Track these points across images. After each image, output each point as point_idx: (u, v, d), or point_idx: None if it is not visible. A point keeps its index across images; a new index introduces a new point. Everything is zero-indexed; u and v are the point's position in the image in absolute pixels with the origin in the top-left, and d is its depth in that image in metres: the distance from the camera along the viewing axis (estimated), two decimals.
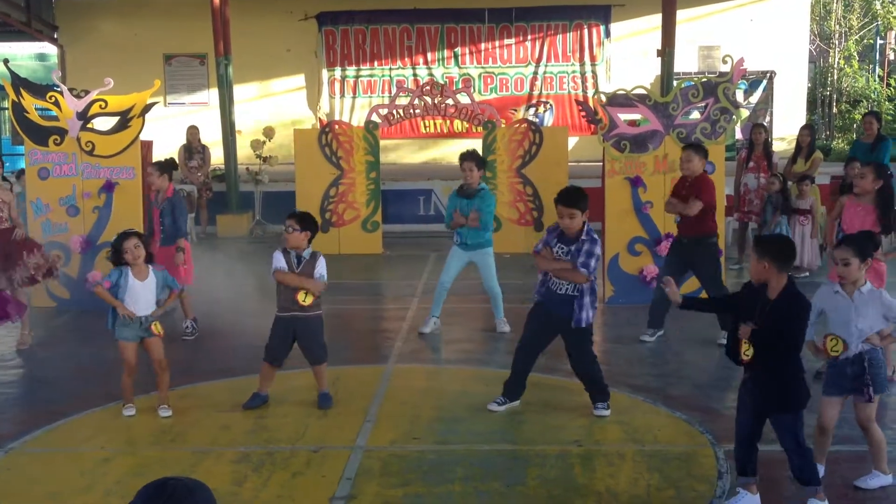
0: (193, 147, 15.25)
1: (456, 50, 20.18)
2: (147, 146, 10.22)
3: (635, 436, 5.74)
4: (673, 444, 5.59)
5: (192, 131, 15.36)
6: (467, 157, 8.36)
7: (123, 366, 6.19)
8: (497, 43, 20.17)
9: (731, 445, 5.49)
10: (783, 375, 4.55)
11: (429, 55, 20.25)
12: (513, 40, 20.16)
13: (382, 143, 14.05)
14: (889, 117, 22.26)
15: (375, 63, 20.30)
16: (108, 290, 6.08)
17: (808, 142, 12.13)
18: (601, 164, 10.37)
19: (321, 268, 6.32)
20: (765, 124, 15.89)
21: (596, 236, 6.00)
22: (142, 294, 6.13)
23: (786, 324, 4.50)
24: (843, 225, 7.14)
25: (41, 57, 25.31)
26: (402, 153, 20.21)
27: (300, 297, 6.24)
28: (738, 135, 18.75)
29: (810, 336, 4.91)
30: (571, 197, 5.96)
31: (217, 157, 15.78)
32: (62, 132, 9.74)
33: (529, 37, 20.19)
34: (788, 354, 4.55)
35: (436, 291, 8.54)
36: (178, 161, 15.35)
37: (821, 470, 4.93)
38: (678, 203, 8.06)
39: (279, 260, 6.31)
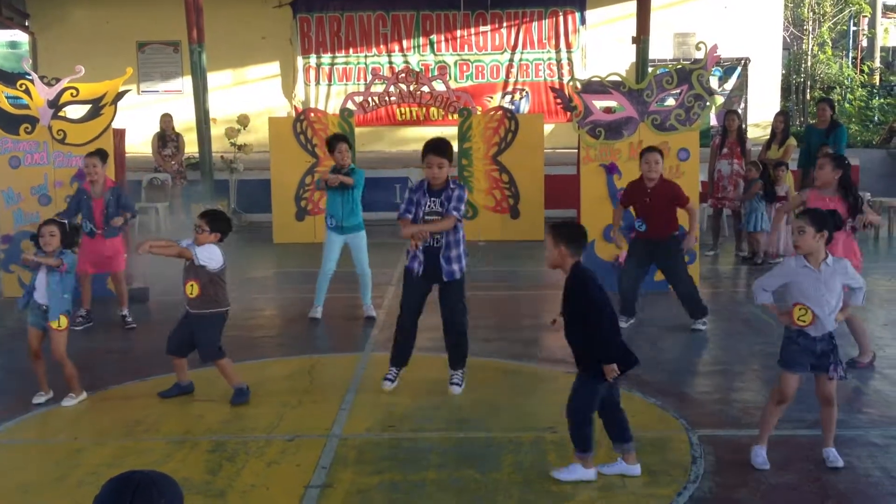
0: (167, 135, 15.13)
1: (431, 37, 20.12)
2: (120, 134, 10.13)
3: None
4: (647, 430, 5.61)
5: (166, 119, 15.23)
6: (340, 138, 8.61)
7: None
8: (472, 30, 20.16)
9: (706, 430, 5.55)
10: (590, 347, 4.79)
11: (404, 42, 20.21)
12: (488, 27, 20.14)
13: (358, 130, 14.00)
14: (861, 103, 22.42)
15: (351, 50, 20.23)
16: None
17: (782, 128, 12.20)
18: (577, 151, 10.38)
19: (204, 253, 6.11)
20: (738, 111, 15.95)
21: (461, 183, 6.20)
22: (41, 280, 6.08)
23: (579, 299, 4.81)
24: None
25: (12, 45, 25.03)
26: (377, 141, 20.15)
27: (187, 288, 6.16)
28: (714, 121, 18.84)
29: (767, 301, 5.04)
30: (441, 147, 6.13)
31: (191, 146, 15.66)
32: (33, 121, 9.64)
33: (505, 24, 20.18)
34: (591, 327, 4.78)
35: (318, 281, 8.69)
36: (152, 149, 15.27)
37: (763, 452, 5.00)
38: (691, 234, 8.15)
39: (182, 243, 6.23)
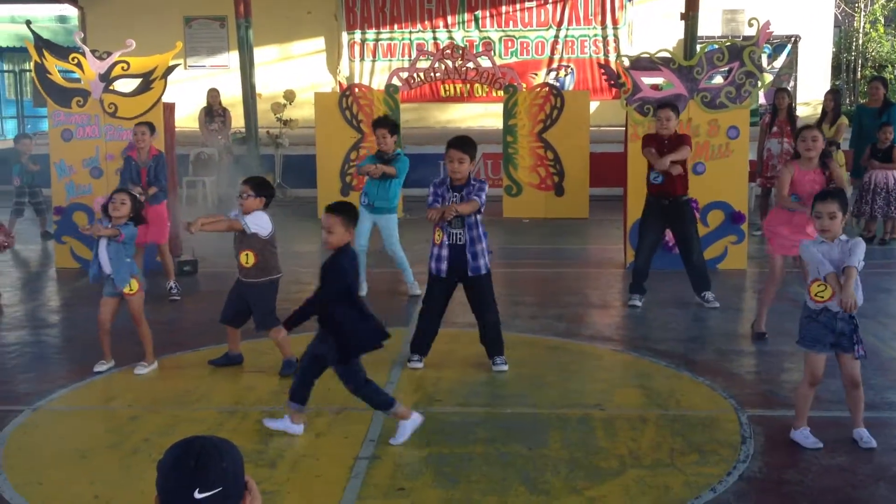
0: (214, 110, 15.24)
1: (476, 13, 20.01)
2: (170, 108, 10.23)
3: (658, 400, 5.75)
4: (696, 409, 5.59)
5: (213, 94, 15.34)
6: (380, 123, 8.41)
7: None
8: (518, 6, 19.99)
9: (755, 410, 5.52)
10: (341, 329, 4.97)
11: (449, 18, 20.10)
12: (534, 3, 19.96)
13: (402, 106, 13.99)
14: None
15: (395, 26, 20.18)
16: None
17: (832, 107, 12.00)
18: (622, 128, 10.29)
19: (252, 221, 6.15)
20: (788, 89, 15.70)
21: (485, 181, 6.26)
22: (103, 251, 6.18)
23: (328, 282, 5.01)
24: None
25: (61, 19, 25.32)
26: (422, 117, 20.13)
27: (241, 258, 6.20)
28: (762, 100, 18.56)
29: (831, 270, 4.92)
30: (463, 142, 6.16)
31: (237, 121, 15.77)
32: (85, 94, 9.76)
33: (550, 0, 19.99)
34: (340, 309, 4.95)
35: (400, 258, 8.63)
36: (199, 123, 15.41)
37: (806, 433, 4.98)
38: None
39: (232, 213, 6.29)
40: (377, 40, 20.25)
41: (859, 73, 23.95)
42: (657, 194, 8.05)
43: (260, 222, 6.19)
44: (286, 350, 6.29)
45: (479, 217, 6.19)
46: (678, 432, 5.20)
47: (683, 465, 4.74)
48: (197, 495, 1.96)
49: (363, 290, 8.66)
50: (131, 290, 6.23)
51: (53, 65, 9.77)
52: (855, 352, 4.86)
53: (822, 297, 4.84)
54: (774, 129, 11.82)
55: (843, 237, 4.91)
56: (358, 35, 20.24)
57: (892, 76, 22.67)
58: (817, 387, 5.07)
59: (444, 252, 6.22)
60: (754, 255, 10.41)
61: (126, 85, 9.88)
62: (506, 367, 6.32)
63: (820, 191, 5.60)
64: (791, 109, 12.03)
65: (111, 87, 9.77)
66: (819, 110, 12.68)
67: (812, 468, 4.72)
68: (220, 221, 6.23)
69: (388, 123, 8.43)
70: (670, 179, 7.92)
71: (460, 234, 6.15)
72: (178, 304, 8.46)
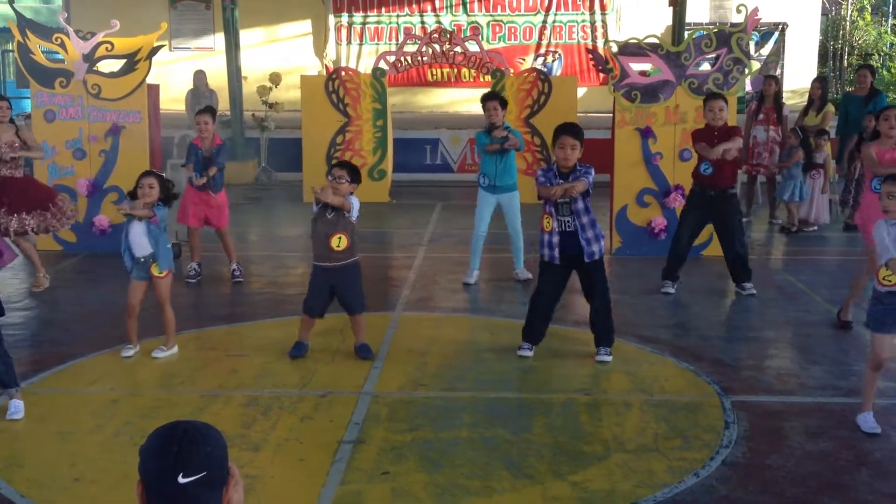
0: (201, 92, 15.14)
1: None
2: (155, 90, 10.14)
3: (642, 385, 5.76)
4: (680, 394, 5.60)
5: (200, 76, 15.24)
6: (490, 97, 8.29)
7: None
8: None
9: (739, 396, 5.53)
10: None
11: (437, 2, 20.03)
12: None
13: (389, 90, 13.93)
14: None
15: (383, 9, 20.07)
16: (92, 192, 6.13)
17: (819, 94, 12.00)
18: (610, 115, 10.29)
19: (354, 206, 6.08)
20: (776, 76, 15.70)
21: (591, 167, 6.14)
22: (136, 235, 6.09)
23: None
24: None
25: None
26: (409, 102, 20.07)
27: (333, 242, 6.06)
28: (748, 87, 18.58)
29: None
30: (576, 129, 6.10)
31: (222, 104, 15.66)
32: (68, 74, 9.65)
33: None
34: None
35: (472, 244, 8.46)
36: (185, 105, 15.30)
37: (868, 418, 4.97)
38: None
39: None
40: (364, 23, 20.15)
41: (846, 62, 24.00)
42: (705, 185, 7.91)
43: (357, 206, 6.11)
44: (362, 334, 6.27)
45: (587, 203, 6.07)
46: (662, 417, 5.21)
47: (667, 450, 4.74)
48: (180, 480, 1.94)
49: (473, 279, 8.49)
50: (161, 273, 6.17)
51: (37, 45, 9.66)
52: None
53: (890, 282, 4.83)
54: (761, 116, 11.81)
55: None
56: (345, 18, 20.13)
57: (879, 65, 22.72)
58: (881, 371, 5.03)
59: (556, 239, 6.11)
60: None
61: (110, 66, 9.78)
62: (609, 359, 6.17)
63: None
64: (778, 97, 12.02)
65: (95, 68, 9.67)
66: (805, 98, 12.68)
67: (795, 453, 4.73)
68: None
69: (498, 97, 8.33)
70: (720, 170, 7.79)
71: (569, 220, 6.06)
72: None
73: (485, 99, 8.26)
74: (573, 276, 6.32)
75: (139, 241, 6.11)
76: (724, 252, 8.08)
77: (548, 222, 6.11)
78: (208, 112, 8.59)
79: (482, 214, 8.34)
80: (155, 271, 6.15)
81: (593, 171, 6.11)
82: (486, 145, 8.14)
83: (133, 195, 6.10)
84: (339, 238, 6.05)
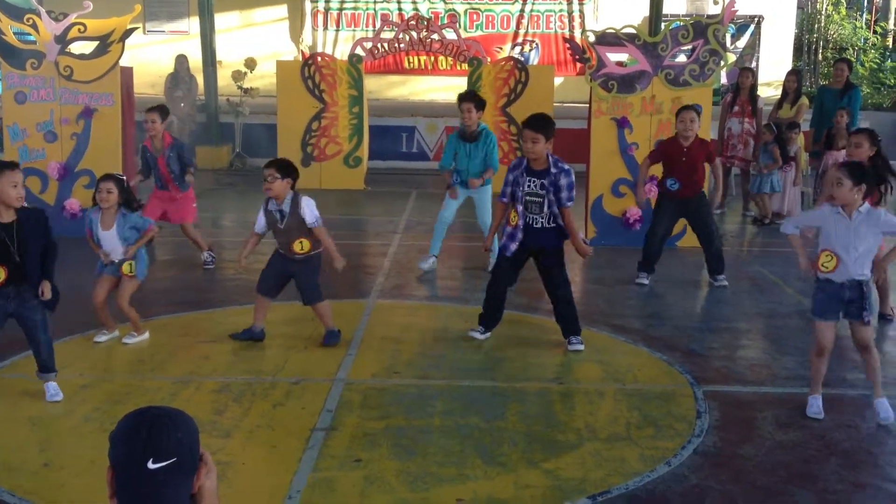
0: (181, 77, 15.00)
1: None
2: (127, 72, 10.03)
3: (616, 375, 5.78)
4: (653, 384, 5.62)
5: (181, 60, 15.11)
6: (466, 97, 8.05)
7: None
8: None
9: (711, 386, 5.56)
10: None
11: None
12: None
13: (366, 77, 13.85)
14: (874, 65, 22.21)
15: None
16: (90, 236, 6.10)
17: (794, 87, 12.07)
18: (586, 105, 10.29)
19: (309, 211, 6.03)
20: (752, 69, 15.77)
21: (566, 165, 6.05)
22: (108, 243, 6.05)
23: None
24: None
25: None
26: (385, 89, 19.98)
27: (296, 247, 6.06)
28: (724, 79, 18.66)
29: (791, 232, 5.20)
30: (539, 121, 6.00)
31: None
32: (40, 56, 9.52)
33: None
34: None
35: (436, 227, 8.41)
36: (164, 89, 15.16)
37: (814, 402, 5.07)
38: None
39: (259, 222, 6.19)
40: (341, 9, 20.01)
41: (820, 55, 24.16)
42: (671, 198, 7.95)
43: (315, 213, 6.05)
44: (329, 321, 6.24)
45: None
46: (635, 406, 5.23)
47: (639, 439, 4.76)
48: (150, 465, 1.92)
49: (429, 264, 8.43)
50: (132, 271, 6.09)
51: (8, 25, 9.51)
52: (865, 316, 4.94)
53: (827, 268, 4.94)
54: (736, 108, 11.87)
55: (864, 208, 4.94)
56: (322, 3, 19.99)
57: (853, 59, 22.88)
58: (828, 354, 5.11)
59: (520, 234, 6.08)
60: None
61: (83, 48, 9.65)
62: (581, 347, 6.18)
63: None
64: (753, 89, 12.07)
65: (67, 50, 9.55)
66: (780, 90, 12.74)
67: (766, 443, 4.77)
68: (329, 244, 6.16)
69: (475, 98, 8.07)
70: (687, 185, 7.81)
71: (538, 218, 6.04)
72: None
73: (461, 99, 8.08)
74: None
75: (113, 246, 6.06)
76: (704, 249, 8.12)
77: (513, 217, 6.10)
78: (157, 111, 8.42)
79: (450, 204, 8.30)
80: (126, 269, 6.07)
81: (573, 175, 6.02)
82: (446, 166, 8.21)
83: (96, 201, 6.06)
84: (301, 243, 6.07)
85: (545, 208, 6.00)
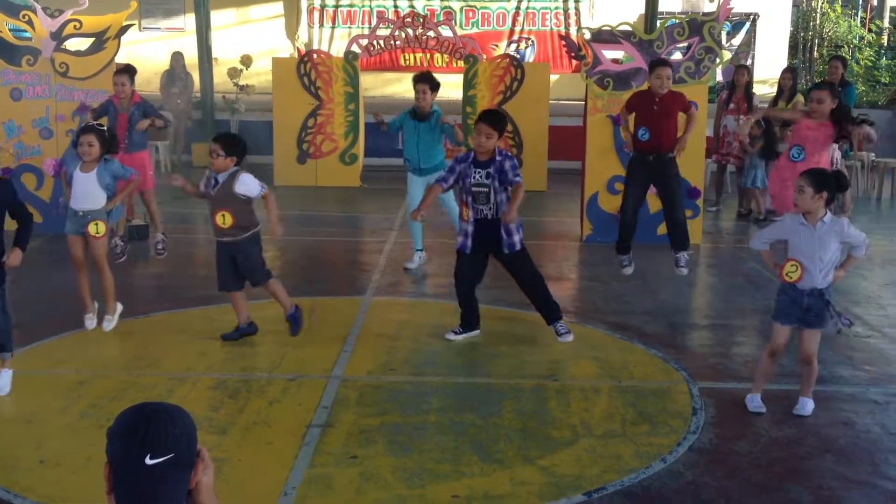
0: (177, 74, 14.98)
1: None
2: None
3: (611, 372, 5.79)
4: (648, 381, 5.64)
5: (178, 57, 15.10)
6: (421, 79, 8.16)
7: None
8: None
9: (706, 383, 5.58)
10: None
11: None
12: None
13: (361, 74, 13.85)
14: (869, 63, 22.24)
15: None
16: (58, 172, 6.06)
17: (789, 85, 12.08)
18: (582, 102, 10.29)
19: (246, 187, 5.95)
20: (747, 66, 15.79)
21: (508, 152, 6.21)
22: (82, 186, 5.99)
23: None
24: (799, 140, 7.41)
25: None
26: (381, 86, 19.95)
27: (218, 219, 5.98)
28: (719, 77, 18.67)
29: (761, 248, 5.26)
30: (494, 117, 6.18)
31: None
32: (35, 52, 9.50)
33: None
34: None
35: (411, 226, 8.43)
36: (160, 86, 15.13)
37: (755, 399, 5.14)
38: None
39: (202, 181, 6.14)
40: (337, 6, 19.98)
41: (816, 53, 24.17)
42: (643, 151, 7.72)
43: (255, 184, 6.00)
44: (286, 302, 6.23)
45: (506, 195, 6.08)
46: (630, 403, 5.24)
47: (635, 436, 4.78)
48: (148, 461, 1.92)
49: (414, 263, 8.45)
50: (98, 232, 6.04)
51: (3, 22, 9.48)
52: (841, 322, 5.00)
53: (791, 278, 4.97)
54: (731, 105, 11.90)
55: (828, 218, 4.97)
56: (317, 1, 19.96)
57: (848, 56, 22.90)
58: (777, 357, 5.19)
59: (471, 228, 6.13)
60: (708, 231, 10.52)
61: (78, 44, 9.64)
62: (570, 337, 6.27)
63: None
64: (749, 86, 12.09)
65: (63, 46, 9.53)
66: (775, 88, 12.77)
67: (761, 440, 4.78)
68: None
69: (430, 79, 8.16)
70: (657, 136, 7.59)
71: (485, 210, 6.07)
72: (126, 269, 8.30)
73: (415, 80, 8.18)
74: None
75: (85, 190, 5.99)
76: (666, 216, 7.85)
77: (465, 212, 6.14)
78: (125, 72, 8.42)
79: (414, 196, 8.28)
80: (92, 230, 6.02)
81: (516, 161, 6.17)
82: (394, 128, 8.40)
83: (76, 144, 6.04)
84: (223, 215, 5.95)
85: (492, 198, 6.06)
